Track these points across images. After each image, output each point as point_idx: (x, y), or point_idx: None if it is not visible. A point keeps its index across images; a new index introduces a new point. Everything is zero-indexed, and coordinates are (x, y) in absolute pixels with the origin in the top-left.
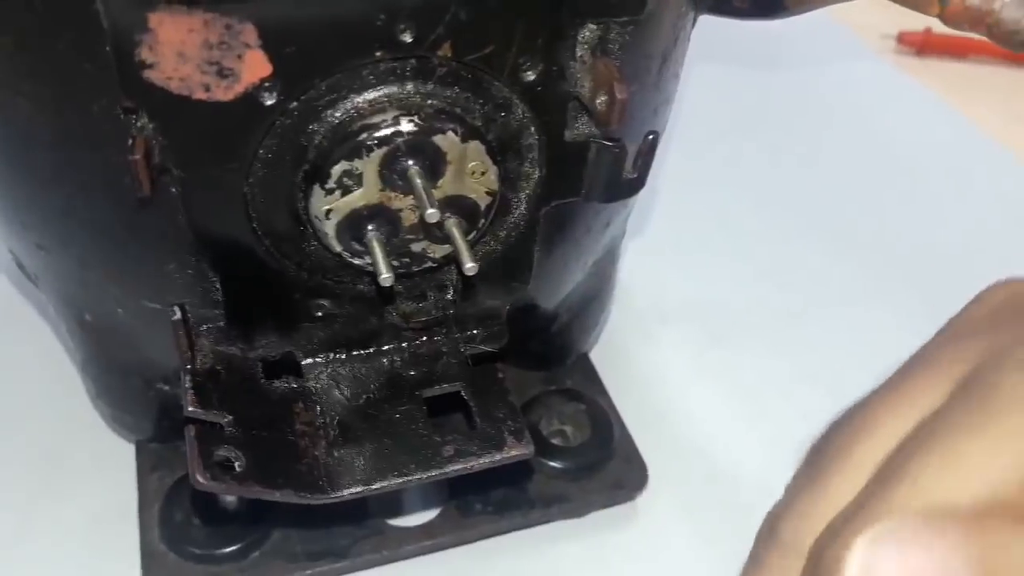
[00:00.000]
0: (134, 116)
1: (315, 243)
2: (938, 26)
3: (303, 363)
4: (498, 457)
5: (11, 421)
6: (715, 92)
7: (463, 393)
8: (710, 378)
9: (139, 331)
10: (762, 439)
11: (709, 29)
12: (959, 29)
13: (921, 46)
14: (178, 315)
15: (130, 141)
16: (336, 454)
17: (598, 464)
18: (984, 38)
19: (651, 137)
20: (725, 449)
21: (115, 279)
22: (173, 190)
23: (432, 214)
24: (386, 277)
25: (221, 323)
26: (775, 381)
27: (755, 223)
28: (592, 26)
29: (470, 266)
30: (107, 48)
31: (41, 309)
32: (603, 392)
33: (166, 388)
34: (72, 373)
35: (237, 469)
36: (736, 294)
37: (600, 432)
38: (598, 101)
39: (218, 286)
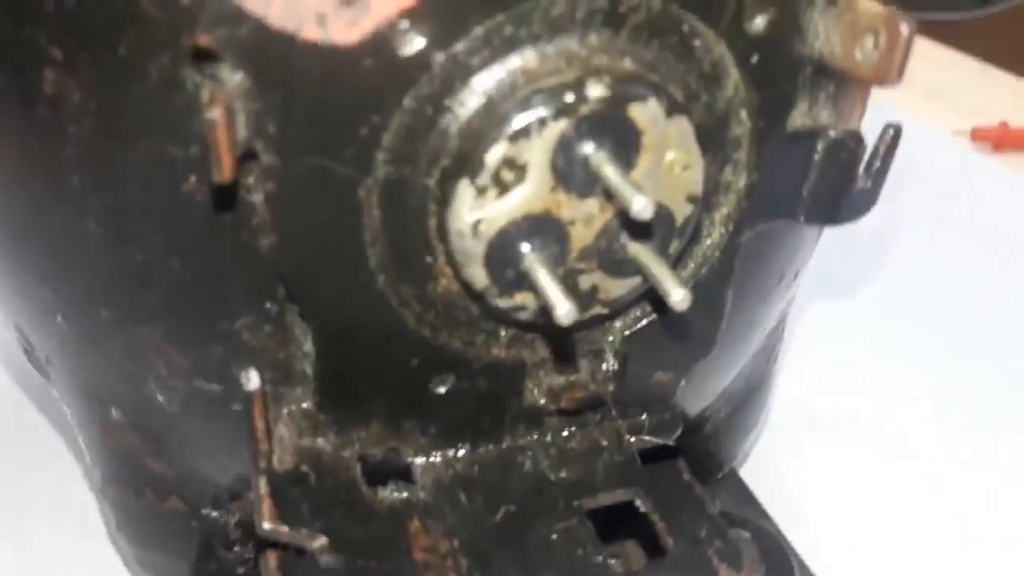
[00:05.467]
0: (211, 64)
1: (445, 280)
2: (1013, 120)
3: (413, 462)
4: None
5: (9, 561)
6: None
7: (639, 503)
8: (879, 497)
9: (186, 429)
10: (948, 565)
11: None
12: None
13: (997, 141)
14: (255, 383)
15: (205, 96)
16: None
17: None
18: None
19: (891, 130)
20: None
21: (160, 347)
22: (254, 198)
23: (642, 203)
24: (566, 310)
25: (307, 404)
26: (956, 500)
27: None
28: None
29: (680, 296)
30: None
31: (52, 418)
32: (765, 516)
33: (214, 515)
34: (86, 502)
35: None
36: (897, 404)
37: (776, 566)
38: (866, 49)
39: (306, 349)
